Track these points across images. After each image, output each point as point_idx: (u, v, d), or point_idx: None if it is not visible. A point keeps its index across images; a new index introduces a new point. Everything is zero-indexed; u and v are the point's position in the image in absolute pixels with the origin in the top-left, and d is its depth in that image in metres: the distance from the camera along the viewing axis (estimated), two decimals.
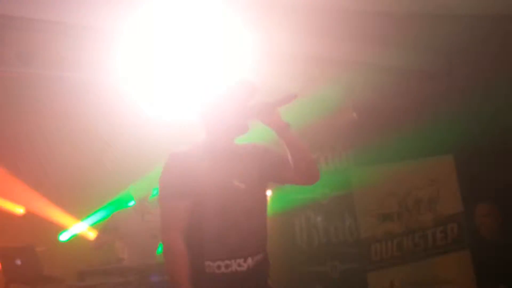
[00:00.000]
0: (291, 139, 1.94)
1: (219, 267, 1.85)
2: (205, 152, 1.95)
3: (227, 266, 1.85)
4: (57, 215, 5.42)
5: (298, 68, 4.38)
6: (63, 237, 5.39)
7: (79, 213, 5.53)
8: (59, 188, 5.29)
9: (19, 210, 5.33)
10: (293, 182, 2.05)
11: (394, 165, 4.26)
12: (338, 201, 4.88)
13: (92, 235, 5.50)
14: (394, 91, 4.87)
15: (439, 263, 4.32)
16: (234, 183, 1.93)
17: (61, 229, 5.42)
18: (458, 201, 4.39)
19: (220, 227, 1.87)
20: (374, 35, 3.93)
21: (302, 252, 4.98)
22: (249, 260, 1.89)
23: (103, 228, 4.26)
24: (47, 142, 5.18)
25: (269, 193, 5.86)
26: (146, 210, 4.27)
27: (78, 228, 5.50)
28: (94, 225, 5.52)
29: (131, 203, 4.38)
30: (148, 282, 3.44)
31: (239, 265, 1.87)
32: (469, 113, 4.25)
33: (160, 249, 4.33)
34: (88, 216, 5.54)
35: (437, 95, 4.53)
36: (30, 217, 5.24)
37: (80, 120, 5.12)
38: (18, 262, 3.73)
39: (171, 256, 1.82)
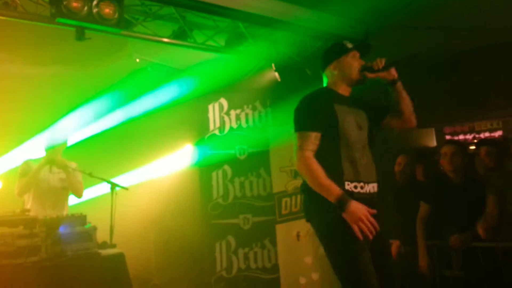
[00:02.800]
0: (401, 89, 2.53)
1: (355, 187, 2.35)
2: (331, 97, 2.46)
3: (355, 187, 2.35)
4: None
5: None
6: None
7: None
8: None
9: None
10: (397, 125, 2.59)
11: None
12: (255, 157, 5.06)
13: None
14: (315, 53, 4.99)
15: None
16: (357, 123, 2.44)
17: None
18: None
19: (353, 156, 2.37)
20: None
21: (218, 206, 5.10)
22: (371, 186, 2.41)
23: (21, 173, 4.03)
24: None
25: (189, 148, 5.86)
26: (55, 162, 4.09)
27: None
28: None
29: (41, 154, 4.14)
30: (55, 233, 3.34)
31: (361, 188, 2.36)
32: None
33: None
34: None
35: None
36: None
37: None
38: None
39: (310, 167, 2.29)
